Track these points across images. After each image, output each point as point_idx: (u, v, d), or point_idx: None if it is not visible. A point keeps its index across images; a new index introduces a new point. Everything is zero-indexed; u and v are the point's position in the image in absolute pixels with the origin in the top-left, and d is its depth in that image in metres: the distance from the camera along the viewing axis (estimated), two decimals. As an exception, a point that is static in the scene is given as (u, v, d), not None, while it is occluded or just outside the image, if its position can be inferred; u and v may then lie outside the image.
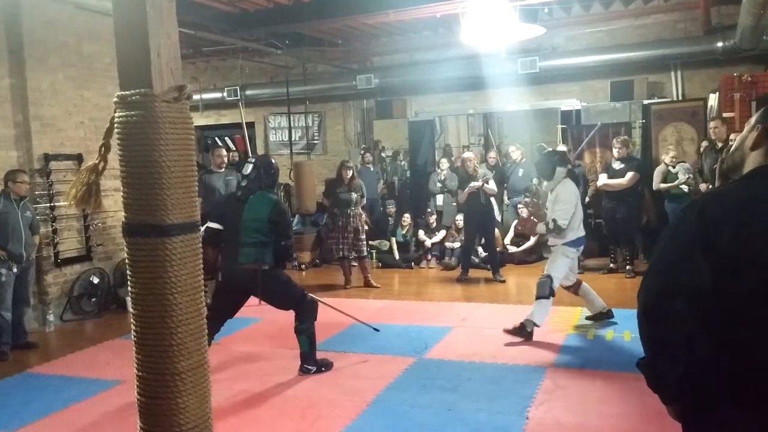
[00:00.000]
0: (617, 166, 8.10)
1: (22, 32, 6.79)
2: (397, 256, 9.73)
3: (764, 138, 1.67)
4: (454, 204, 9.70)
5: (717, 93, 8.69)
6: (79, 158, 7.25)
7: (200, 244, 2.21)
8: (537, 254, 9.37)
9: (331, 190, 8.46)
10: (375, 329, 6.03)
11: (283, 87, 10.99)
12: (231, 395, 4.60)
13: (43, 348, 6.23)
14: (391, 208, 10.22)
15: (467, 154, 8.77)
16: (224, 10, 8.59)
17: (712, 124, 7.65)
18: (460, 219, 9.32)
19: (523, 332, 5.60)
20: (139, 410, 2.15)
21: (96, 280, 7.38)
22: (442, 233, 9.71)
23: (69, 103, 7.26)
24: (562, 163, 5.79)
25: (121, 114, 2.08)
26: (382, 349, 5.58)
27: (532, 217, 6.23)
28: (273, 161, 5.29)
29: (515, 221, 9.27)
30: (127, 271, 2.15)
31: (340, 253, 8.27)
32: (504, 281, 8.30)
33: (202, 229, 4.11)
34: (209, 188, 7.33)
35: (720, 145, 7.18)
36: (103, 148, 2.26)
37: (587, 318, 6.10)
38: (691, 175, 7.79)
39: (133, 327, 2.14)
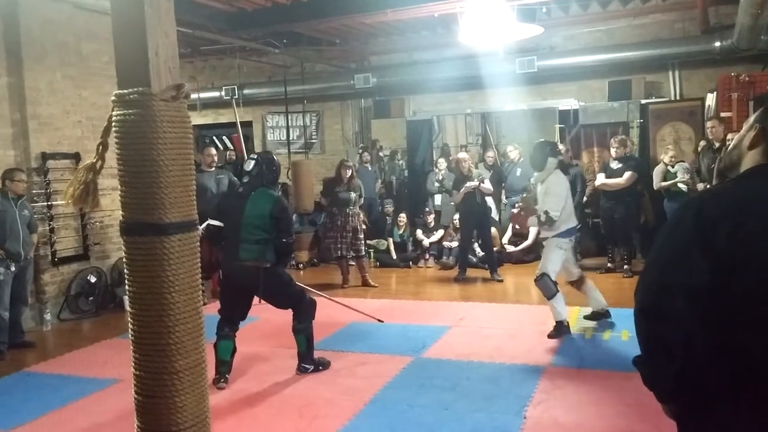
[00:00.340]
0: (615, 165, 8.12)
1: (20, 31, 6.78)
2: (394, 256, 9.73)
3: (762, 137, 1.67)
4: (452, 203, 9.70)
5: (714, 93, 8.71)
6: (76, 157, 7.24)
7: (198, 243, 2.21)
8: (535, 253, 9.36)
9: (330, 189, 8.47)
10: (379, 320, 6.03)
11: (281, 86, 10.98)
12: (228, 394, 4.60)
13: (41, 347, 6.23)
14: (389, 208, 10.23)
15: (462, 155, 8.79)
16: (222, 9, 8.59)
17: (709, 124, 7.66)
18: (458, 218, 9.33)
19: (562, 329, 5.63)
20: (137, 409, 2.15)
21: (93, 279, 7.37)
22: (440, 233, 9.72)
23: (67, 102, 7.25)
24: (553, 154, 5.81)
25: (119, 113, 2.08)
26: (379, 348, 5.59)
27: (521, 212, 6.20)
28: (275, 158, 5.28)
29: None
30: (125, 270, 2.15)
31: (339, 252, 8.27)
32: (502, 281, 8.31)
33: (202, 226, 4.16)
34: (200, 187, 7.31)
35: (717, 144, 7.20)
36: (100, 147, 2.26)
37: (585, 317, 6.11)
38: (689, 174, 7.81)
39: (130, 326, 2.14)
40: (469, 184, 8.21)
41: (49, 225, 7.01)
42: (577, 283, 6.01)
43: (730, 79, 8.35)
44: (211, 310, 6.95)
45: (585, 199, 8.79)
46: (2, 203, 5.97)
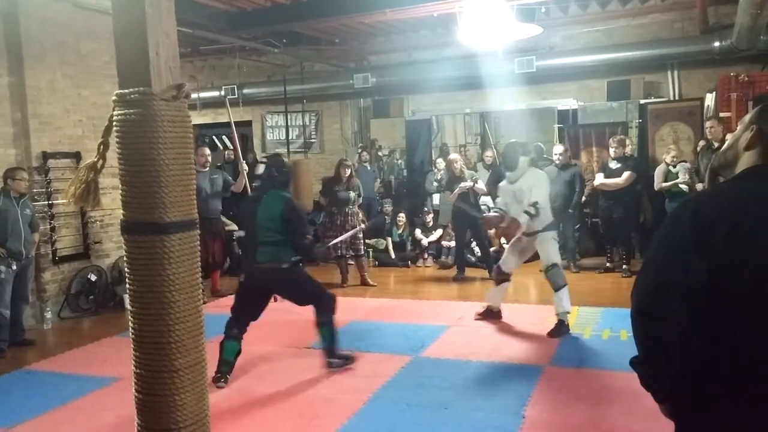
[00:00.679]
0: (614, 165, 8.14)
1: (21, 30, 6.79)
2: (393, 255, 9.74)
3: (759, 138, 1.67)
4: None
5: (714, 93, 8.72)
6: (77, 156, 7.26)
7: (198, 242, 2.23)
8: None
9: (329, 188, 8.48)
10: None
11: (281, 86, 10.99)
12: (228, 393, 4.61)
13: (41, 345, 6.24)
14: (388, 207, 10.23)
15: (453, 156, 8.81)
16: (222, 8, 8.59)
17: (708, 124, 7.67)
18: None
19: (563, 328, 5.68)
20: (137, 407, 2.16)
21: (94, 278, 7.38)
22: (438, 232, 9.73)
23: (67, 102, 7.26)
24: (524, 153, 5.97)
25: (119, 112, 2.09)
26: (378, 347, 5.60)
27: (507, 227, 6.22)
28: (285, 160, 5.32)
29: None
30: (125, 269, 2.16)
31: (338, 251, 8.28)
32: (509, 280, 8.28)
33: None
34: (196, 188, 7.32)
35: (717, 144, 7.20)
36: (101, 147, 2.27)
37: (478, 314, 6.29)
38: (688, 175, 7.82)
39: (131, 324, 2.15)
40: (463, 184, 8.23)
41: (50, 224, 7.02)
42: (506, 276, 6.16)
43: (730, 79, 8.36)
44: (211, 309, 6.99)
45: (584, 198, 8.80)
46: (4, 202, 5.98)
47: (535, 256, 8.62)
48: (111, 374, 5.09)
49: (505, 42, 8.16)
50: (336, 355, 5.03)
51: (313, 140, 12.25)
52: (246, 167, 8.01)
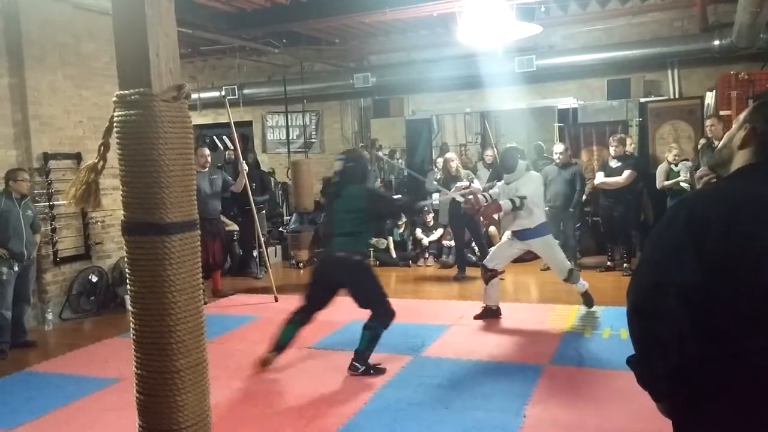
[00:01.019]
0: (614, 164, 8.14)
1: (21, 31, 6.79)
2: (393, 255, 9.74)
3: (752, 137, 1.68)
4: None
5: (714, 91, 8.72)
6: (77, 157, 7.26)
7: (198, 243, 2.23)
8: (533, 252, 9.37)
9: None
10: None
11: (281, 86, 11.00)
12: (229, 393, 4.62)
13: (42, 346, 6.25)
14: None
15: (449, 155, 8.80)
16: (222, 9, 8.60)
17: (708, 122, 7.67)
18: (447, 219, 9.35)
19: (588, 300, 6.22)
20: (138, 408, 2.16)
21: (95, 279, 7.39)
22: (439, 231, 9.73)
23: (68, 102, 7.26)
24: (522, 157, 6.23)
25: (120, 113, 2.10)
26: (379, 347, 5.56)
27: (479, 209, 6.27)
28: (362, 153, 5.59)
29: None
30: (126, 270, 2.17)
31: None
32: (502, 278, 8.29)
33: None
34: (195, 189, 7.32)
35: (717, 143, 7.20)
36: (102, 147, 2.27)
37: (476, 315, 6.31)
38: (689, 174, 7.81)
39: (132, 325, 2.16)
40: (459, 184, 8.21)
41: (51, 225, 7.02)
42: (494, 273, 6.27)
43: (730, 77, 8.36)
44: (212, 310, 7.01)
45: (584, 197, 8.80)
46: (6, 203, 5.98)
47: (534, 256, 8.64)
48: (112, 375, 5.10)
49: (505, 41, 8.17)
50: (364, 362, 4.98)
51: (313, 140, 12.26)
52: (246, 167, 8.01)
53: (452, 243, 9.42)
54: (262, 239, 8.53)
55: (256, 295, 8.04)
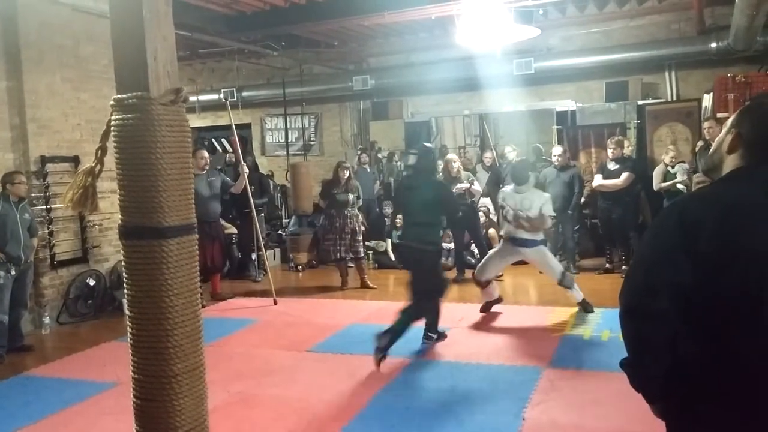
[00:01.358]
0: (612, 166, 8.14)
1: (19, 34, 6.78)
2: (392, 257, 9.73)
3: (739, 142, 1.71)
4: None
5: (711, 93, 8.73)
6: (75, 160, 7.25)
7: (196, 246, 2.22)
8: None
9: (328, 191, 8.47)
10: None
11: (280, 88, 11.01)
12: (227, 397, 4.61)
13: (39, 350, 6.23)
14: (388, 209, 10.23)
15: (450, 156, 8.81)
16: (221, 11, 8.60)
17: (706, 125, 7.68)
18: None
19: (588, 306, 6.36)
20: (135, 412, 2.16)
21: (92, 282, 7.37)
22: (438, 234, 9.70)
23: (66, 105, 7.25)
24: (533, 170, 6.65)
25: (117, 117, 2.09)
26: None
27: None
28: (431, 148, 6.03)
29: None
30: (124, 274, 2.16)
31: (338, 254, 8.27)
32: (501, 280, 8.30)
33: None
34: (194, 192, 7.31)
35: (714, 145, 7.21)
36: (99, 151, 2.27)
37: (481, 310, 6.59)
38: (687, 175, 7.82)
39: (129, 329, 2.15)
40: (460, 185, 8.23)
41: (48, 228, 7.00)
42: (487, 283, 6.52)
43: (727, 79, 8.38)
44: (210, 313, 7.00)
45: (583, 199, 8.80)
46: (3, 207, 5.95)
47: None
48: (110, 379, 5.08)
49: (504, 44, 8.17)
50: (386, 340, 5.04)
51: (312, 142, 12.26)
52: (246, 169, 8.01)
53: (451, 245, 9.41)
54: (262, 242, 8.53)
55: (255, 298, 8.03)
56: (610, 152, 8.19)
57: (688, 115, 9.21)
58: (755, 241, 1.51)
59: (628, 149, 8.76)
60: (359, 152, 11.03)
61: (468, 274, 8.61)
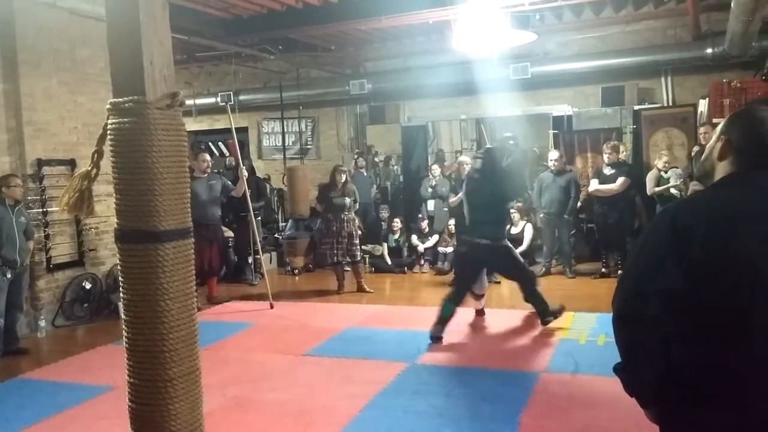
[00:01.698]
0: (608, 171, 8.16)
1: (16, 37, 6.78)
2: (389, 261, 9.74)
3: (729, 148, 1.72)
4: (446, 209, 9.74)
5: (707, 99, 8.76)
6: (72, 163, 7.24)
7: (192, 251, 2.22)
8: (530, 257, 9.39)
9: (325, 194, 8.47)
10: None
11: (277, 92, 11.02)
12: (223, 401, 4.60)
13: (35, 354, 6.21)
14: (384, 213, 10.24)
15: (463, 158, 8.83)
16: (218, 15, 8.61)
17: (702, 130, 7.71)
18: (452, 224, 9.36)
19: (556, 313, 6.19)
20: (131, 416, 2.16)
21: (88, 286, 7.36)
22: (434, 238, 9.73)
23: (62, 109, 7.25)
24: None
25: (114, 121, 2.10)
26: (374, 354, 5.59)
27: None
28: (495, 147, 6.37)
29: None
30: (120, 277, 2.16)
31: (335, 258, 8.27)
32: (499, 282, 8.30)
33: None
34: (193, 194, 7.31)
35: (710, 150, 7.23)
36: (96, 155, 2.27)
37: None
38: (681, 180, 7.85)
39: (124, 333, 2.15)
40: (459, 196, 8.25)
41: (45, 231, 6.99)
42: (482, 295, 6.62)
43: (722, 85, 8.41)
44: (206, 317, 6.98)
45: (579, 204, 8.82)
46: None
47: (534, 261, 8.63)
48: (106, 383, 5.06)
49: (500, 48, 8.19)
50: (549, 311, 5.98)
51: (309, 146, 12.26)
52: (246, 173, 8.00)
53: (447, 250, 9.43)
54: (259, 245, 8.54)
55: (251, 302, 8.02)
56: (606, 157, 8.21)
57: (683, 120, 9.23)
58: (747, 247, 1.52)
59: (623, 154, 8.77)
60: (356, 156, 11.05)
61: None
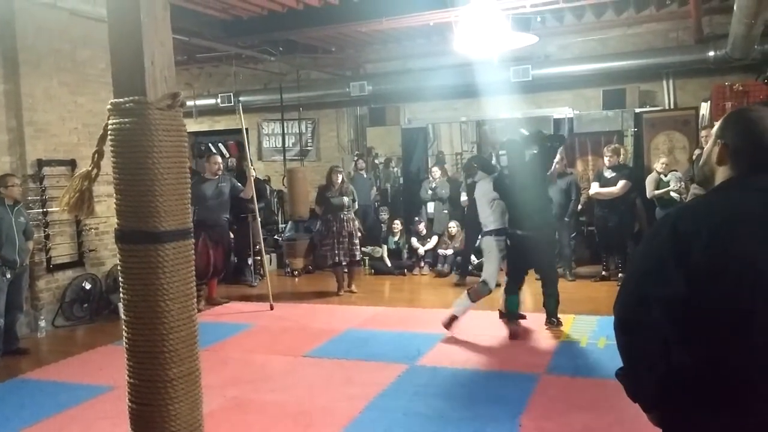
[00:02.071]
0: (609, 174, 8.16)
1: (17, 38, 6.79)
2: (389, 263, 9.73)
3: (726, 152, 1.71)
4: (446, 211, 9.75)
5: (709, 102, 8.75)
6: (72, 164, 7.24)
7: (193, 251, 2.22)
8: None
9: (323, 196, 8.47)
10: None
11: (277, 93, 11.01)
12: (222, 402, 4.59)
13: (35, 354, 6.21)
14: (384, 215, 10.24)
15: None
16: (218, 16, 8.61)
17: (703, 133, 7.70)
18: (452, 226, 9.37)
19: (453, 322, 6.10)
20: (131, 417, 2.15)
21: (88, 286, 7.35)
22: (434, 239, 9.73)
23: (63, 109, 7.25)
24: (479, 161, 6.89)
25: (114, 121, 2.09)
26: (374, 356, 5.59)
27: None
28: (515, 138, 6.53)
29: None
30: (120, 278, 2.16)
31: (335, 258, 8.26)
32: (499, 285, 8.28)
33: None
34: (201, 196, 7.33)
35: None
36: (96, 155, 2.27)
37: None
38: (682, 183, 7.85)
39: (124, 333, 2.15)
40: (464, 199, 8.28)
41: (45, 231, 6.99)
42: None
43: (724, 88, 8.39)
44: (207, 317, 6.97)
45: (580, 207, 8.82)
46: (-1, 210, 5.95)
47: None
48: (106, 383, 5.06)
49: (501, 51, 8.18)
50: (555, 316, 6.13)
51: (309, 148, 12.25)
52: (254, 173, 7.99)
53: (447, 252, 9.43)
54: (262, 246, 8.54)
55: (251, 303, 8.02)
56: (606, 160, 8.21)
57: (685, 123, 9.23)
58: (747, 249, 1.52)
59: (623, 157, 8.77)
60: (356, 158, 11.04)
61: (468, 279, 8.66)
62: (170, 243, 2.09)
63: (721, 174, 1.72)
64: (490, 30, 6.39)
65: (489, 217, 6.23)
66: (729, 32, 7.84)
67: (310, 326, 6.73)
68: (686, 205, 1.89)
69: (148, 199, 2.06)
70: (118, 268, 2.16)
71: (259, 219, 8.03)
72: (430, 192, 9.98)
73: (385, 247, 9.85)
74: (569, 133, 9.88)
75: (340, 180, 8.35)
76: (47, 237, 7.02)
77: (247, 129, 12.44)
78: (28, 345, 6.36)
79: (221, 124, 12.62)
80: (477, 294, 6.08)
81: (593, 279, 8.49)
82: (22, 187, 6.41)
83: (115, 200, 2.13)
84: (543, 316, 6.54)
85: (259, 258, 9.19)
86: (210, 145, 13.47)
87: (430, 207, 10.11)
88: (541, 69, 9.83)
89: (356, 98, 11.12)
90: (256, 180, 10.22)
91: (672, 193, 7.83)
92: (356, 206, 8.75)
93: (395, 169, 11.63)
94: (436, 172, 10.06)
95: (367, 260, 9.75)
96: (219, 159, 8.05)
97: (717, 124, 1.82)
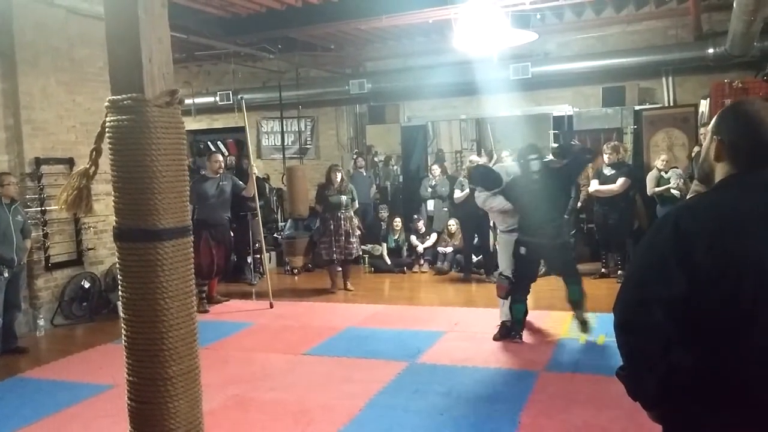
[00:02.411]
0: (608, 172, 8.15)
1: (14, 36, 6.76)
2: (388, 261, 9.73)
3: (722, 149, 1.70)
4: (445, 209, 9.74)
5: (708, 99, 8.74)
6: (70, 162, 7.23)
7: (191, 249, 2.21)
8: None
9: (322, 194, 8.47)
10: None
11: (276, 91, 10.99)
12: (222, 400, 4.59)
13: (34, 353, 6.20)
14: (384, 213, 10.23)
15: (474, 158, 8.88)
16: (217, 14, 8.59)
17: (702, 130, 7.71)
18: (452, 223, 9.35)
19: (503, 330, 5.90)
20: (130, 415, 2.15)
21: (87, 285, 7.34)
22: (434, 237, 9.72)
23: (60, 107, 7.23)
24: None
25: (112, 118, 2.08)
26: (375, 353, 5.58)
27: None
28: (534, 144, 6.26)
29: None
30: (118, 276, 2.15)
31: (331, 255, 8.26)
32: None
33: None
34: (202, 195, 7.32)
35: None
36: (94, 153, 2.25)
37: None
38: (682, 180, 7.85)
39: (123, 332, 2.14)
40: (461, 193, 8.28)
41: (43, 230, 6.98)
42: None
43: (724, 85, 8.39)
44: (206, 316, 6.97)
45: (579, 204, 8.81)
46: (-5, 209, 5.94)
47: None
48: (105, 382, 5.05)
49: (501, 48, 8.18)
50: (583, 312, 5.80)
51: (308, 146, 12.24)
52: (256, 171, 7.98)
53: (447, 250, 9.43)
54: (263, 244, 8.53)
55: (251, 301, 8.01)
56: (606, 157, 8.19)
57: (684, 120, 9.22)
58: (749, 250, 1.51)
59: (623, 154, 8.76)
60: (355, 156, 11.03)
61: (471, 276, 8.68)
62: (169, 241, 2.08)
63: (720, 170, 1.71)
64: (489, 27, 6.38)
65: (499, 218, 6.26)
66: (728, 29, 7.83)
67: (309, 324, 6.72)
68: (687, 203, 1.87)
69: (146, 196, 2.05)
70: (117, 266, 2.15)
71: (259, 217, 8.01)
72: (429, 190, 9.98)
73: (384, 245, 9.84)
74: (569, 130, 9.88)
75: (339, 179, 8.35)
76: (46, 235, 7.01)
77: (245, 127, 12.52)
78: (27, 344, 6.35)
79: (220, 122, 12.60)
80: (502, 288, 5.95)
81: (593, 276, 8.47)
82: (20, 185, 6.41)
83: (113, 198, 2.12)
84: (543, 314, 6.55)
85: (258, 256, 9.17)
86: (209, 143, 13.45)
87: (430, 205, 10.10)
88: (541, 66, 9.82)
89: (356, 96, 11.11)
90: (256, 178, 10.23)
91: (672, 191, 7.83)
92: (356, 205, 8.74)
93: (395, 167, 11.62)
94: (436, 170, 10.05)
95: (366, 258, 9.75)
96: (220, 157, 8.03)
97: (713, 120, 1.80)
